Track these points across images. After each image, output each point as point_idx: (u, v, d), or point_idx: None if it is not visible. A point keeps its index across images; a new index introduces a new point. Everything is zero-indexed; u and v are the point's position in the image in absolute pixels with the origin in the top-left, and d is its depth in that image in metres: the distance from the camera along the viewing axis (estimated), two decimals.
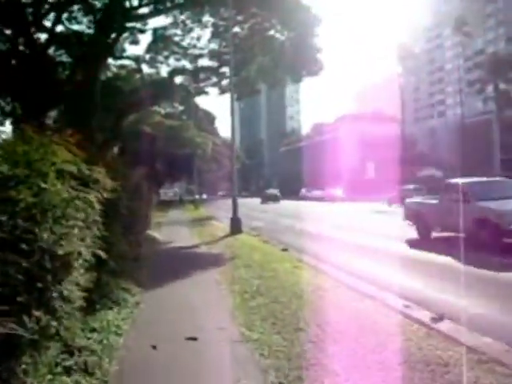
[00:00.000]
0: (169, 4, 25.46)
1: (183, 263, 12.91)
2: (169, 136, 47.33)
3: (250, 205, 49.80)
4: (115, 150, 31.75)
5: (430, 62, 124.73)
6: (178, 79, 31.84)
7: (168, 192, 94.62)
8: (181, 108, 51.07)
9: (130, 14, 23.96)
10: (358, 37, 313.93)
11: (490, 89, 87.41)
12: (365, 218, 29.90)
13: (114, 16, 22.26)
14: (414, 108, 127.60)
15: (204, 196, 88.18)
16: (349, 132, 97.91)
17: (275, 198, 63.64)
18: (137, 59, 30.10)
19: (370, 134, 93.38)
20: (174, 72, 30.39)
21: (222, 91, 32.10)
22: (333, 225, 25.07)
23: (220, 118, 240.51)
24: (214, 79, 31.65)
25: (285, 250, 14.43)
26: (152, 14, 25.51)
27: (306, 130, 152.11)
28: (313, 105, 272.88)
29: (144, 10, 24.92)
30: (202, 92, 32.41)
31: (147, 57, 30.86)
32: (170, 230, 22.50)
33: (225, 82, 31.40)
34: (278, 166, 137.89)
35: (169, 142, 47.44)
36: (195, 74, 31.05)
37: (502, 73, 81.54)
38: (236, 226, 19.36)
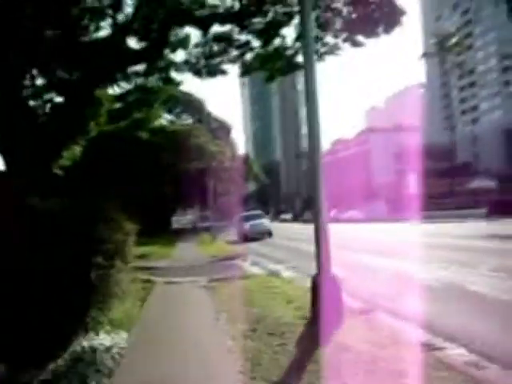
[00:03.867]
0: None
1: None
2: (175, 145, 37.18)
3: (280, 231, 42.68)
4: None
5: (459, 66, 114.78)
6: (181, 55, 22.04)
7: (181, 219, 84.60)
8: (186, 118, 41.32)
9: None
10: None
11: None
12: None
13: None
14: (444, 116, 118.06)
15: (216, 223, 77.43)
16: (377, 144, 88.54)
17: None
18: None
19: (399, 145, 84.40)
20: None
21: (246, 70, 22.32)
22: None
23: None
24: (234, 52, 21.84)
25: None
26: None
27: (323, 147, 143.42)
28: (327, 123, 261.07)
29: None
30: (215, 71, 22.24)
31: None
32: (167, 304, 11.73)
33: (250, 55, 21.78)
34: (300, 187, 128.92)
35: (175, 154, 37.21)
36: (205, 44, 21.28)
37: None
38: (332, 300, 7.96)
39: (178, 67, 22.28)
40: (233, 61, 21.72)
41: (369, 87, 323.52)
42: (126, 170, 34.80)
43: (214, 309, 9.98)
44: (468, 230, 28.20)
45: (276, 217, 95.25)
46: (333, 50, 20.75)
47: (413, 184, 75.69)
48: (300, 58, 22.43)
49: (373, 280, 12.64)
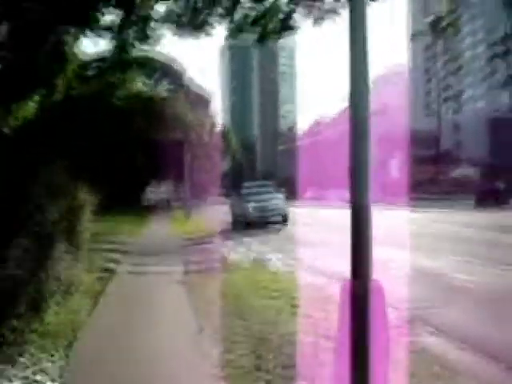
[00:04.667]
0: None
1: None
2: (149, 113, 34.27)
3: None
4: None
5: (445, 52, 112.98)
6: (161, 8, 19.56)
7: (153, 194, 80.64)
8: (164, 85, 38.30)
9: None
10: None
11: None
12: None
13: None
14: (426, 102, 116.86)
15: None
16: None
17: None
18: None
19: (381, 129, 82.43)
20: None
21: (235, 29, 19.79)
22: None
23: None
24: (220, 10, 19.34)
25: None
26: None
27: (301, 128, 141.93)
28: (307, 102, 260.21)
29: None
30: (201, 26, 19.47)
31: None
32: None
33: (239, 15, 19.31)
34: (275, 167, 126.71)
35: (150, 123, 34.25)
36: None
37: None
38: (377, 319, 4.93)
39: (158, 21, 19.54)
40: (221, 15, 19.12)
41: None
42: (93, 137, 31.99)
43: (193, 319, 7.40)
44: (471, 219, 26.18)
45: None
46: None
47: (395, 170, 74.18)
48: (295, 19, 20.07)
49: (395, 279, 9.93)
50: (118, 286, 10.07)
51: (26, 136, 23.74)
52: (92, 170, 26.40)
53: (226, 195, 54.53)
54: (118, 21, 19.03)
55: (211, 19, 19.51)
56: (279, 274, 10.97)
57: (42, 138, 27.76)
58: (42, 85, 18.61)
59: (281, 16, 18.85)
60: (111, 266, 12.25)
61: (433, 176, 66.17)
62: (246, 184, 33.03)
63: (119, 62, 25.34)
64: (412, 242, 14.01)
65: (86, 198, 9.53)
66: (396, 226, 20.98)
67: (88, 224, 9.96)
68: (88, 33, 19.17)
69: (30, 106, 19.95)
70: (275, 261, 12.90)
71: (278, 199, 27.95)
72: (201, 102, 46.44)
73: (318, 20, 19.02)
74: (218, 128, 53.95)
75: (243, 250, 15.81)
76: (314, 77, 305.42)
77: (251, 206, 26.82)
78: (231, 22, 19.58)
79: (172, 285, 9.98)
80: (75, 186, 8.92)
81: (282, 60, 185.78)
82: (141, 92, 38.45)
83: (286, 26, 19.95)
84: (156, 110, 35.02)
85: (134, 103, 34.74)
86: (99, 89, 30.26)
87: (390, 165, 74.78)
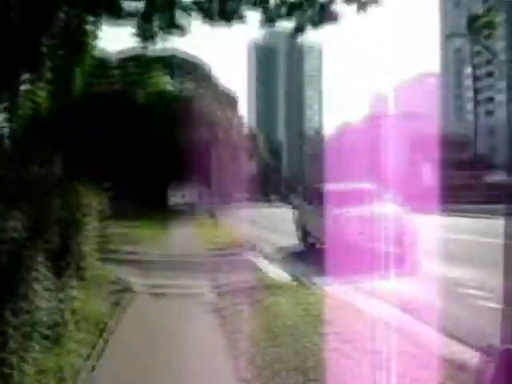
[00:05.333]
0: None
1: None
2: (175, 112, 32.40)
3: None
4: None
5: (477, 55, 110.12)
6: None
7: (177, 197, 76.44)
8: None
9: None
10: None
11: None
12: None
13: None
14: (456, 106, 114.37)
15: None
16: (389, 130, 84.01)
17: None
18: None
19: (413, 133, 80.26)
20: None
21: (269, 18, 18.13)
22: None
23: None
24: None
25: None
26: None
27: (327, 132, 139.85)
28: (330, 107, 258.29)
29: None
30: (232, 15, 17.80)
31: None
32: None
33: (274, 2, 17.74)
34: (303, 171, 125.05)
35: (175, 122, 32.44)
36: None
37: None
38: None
39: (185, 8, 17.93)
40: (254, 3, 17.48)
41: (376, 72, 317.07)
42: (115, 136, 30.38)
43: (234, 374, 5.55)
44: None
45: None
46: None
47: (428, 175, 71.79)
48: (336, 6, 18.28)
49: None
50: (134, 315, 8.23)
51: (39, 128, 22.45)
52: (112, 170, 24.84)
53: (282, 198, 50.83)
54: (142, 8, 17.57)
55: (243, 7, 17.93)
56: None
57: (56, 134, 26.39)
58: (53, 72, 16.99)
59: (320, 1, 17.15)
60: (128, 282, 10.45)
61: (465, 181, 63.74)
62: (330, 185, 19.33)
63: (142, 56, 23.88)
64: None
65: (94, 199, 7.82)
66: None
67: (93, 234, 8.28)
68: (110, 21, 17.68)
69: (42, 97, 18.37)
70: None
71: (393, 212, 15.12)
72: (228, 101, 44.66)
73: (361, 6, 17.19)
74: (246, 129, 51.32)
75: None
76: (341, 79, 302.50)
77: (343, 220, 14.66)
78: (264, 10, 17.96)
79: (203, 314, 8.12)
80: (84, 185, 7.27)
81: (308, 62, 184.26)
82: (165, 90, 36.84)
83: (326, 15, 18.19)
84: (181, 109, 33.22)
85: (158, 102, 33.10)
86: (121, 86, 28.79)
87: (423, 169, 72.51)
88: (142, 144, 31.95)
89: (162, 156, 34.06)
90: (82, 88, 19.79)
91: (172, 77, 39.52)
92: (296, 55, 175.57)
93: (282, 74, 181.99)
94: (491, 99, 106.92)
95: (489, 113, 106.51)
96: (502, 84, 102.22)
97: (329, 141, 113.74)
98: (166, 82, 38.03)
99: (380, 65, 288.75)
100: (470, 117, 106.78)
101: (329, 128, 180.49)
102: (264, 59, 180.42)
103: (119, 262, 12.85)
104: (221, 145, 35.01)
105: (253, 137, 57.50)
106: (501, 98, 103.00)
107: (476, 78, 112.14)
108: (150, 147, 32.42)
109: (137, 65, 31.57)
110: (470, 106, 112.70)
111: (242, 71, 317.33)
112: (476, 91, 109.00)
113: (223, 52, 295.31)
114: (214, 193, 36.22)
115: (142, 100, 32.93)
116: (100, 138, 29.64)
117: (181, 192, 77.87)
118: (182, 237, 23.63)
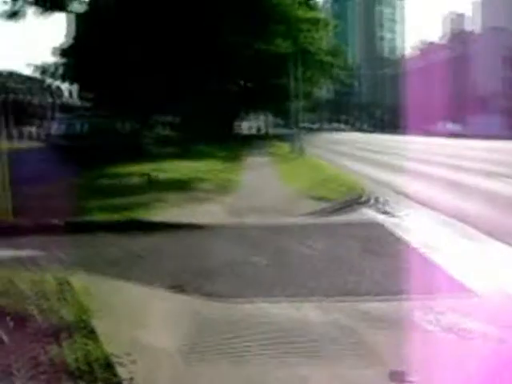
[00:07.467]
0: None
1: None
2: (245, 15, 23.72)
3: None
4: None
5: None
6: None
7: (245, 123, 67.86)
8: None
9: None
10: None
11: None
12: None
13: None
14: None
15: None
16: (479, 48, 75.37)
17: None
18: None
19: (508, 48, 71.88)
20: None
21: None
22: None
23: None
24: None
25: None
26: None
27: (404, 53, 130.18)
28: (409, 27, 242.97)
29: None
30: None
31: None
32: None
33: None
34: (377, 95, 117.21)
35: (234, 23, 24.91)
36: None
37: None
38: None
39: None
40: None
41: None
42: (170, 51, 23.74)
43: None
44: None
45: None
46: None
47: None
48: None
49: None
50: None
51: None
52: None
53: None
54: None
55: None
56: None
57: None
58: None
59: None
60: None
61: None
62: None
63: None
64: None
65: None
66: None
67: None
68: None
69: None
70: None
71: None
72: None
73: None
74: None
75: None
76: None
77: None
78: None
79: None
80: None
81: None
82: None
83: None
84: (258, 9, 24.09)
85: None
86: None
87: None
88: (205, 62, 24.48)
89: (230, 77, 28.45)
90: None
91: None
92: None
93: None
94: None
95: None
96: None
97: (410, 61, 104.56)
98: None
99: None
100: None
101: (408, 48, 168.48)
102: None
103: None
104: (298, 60, 27.86)
105: (338, 50, 50.11)
106: None
107: None
108: (215, 67, 25.39)
109: None
110: None
111: None
112: None
113: None
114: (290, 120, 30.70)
115: None
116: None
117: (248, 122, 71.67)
118: (260, 173, 18.44)
